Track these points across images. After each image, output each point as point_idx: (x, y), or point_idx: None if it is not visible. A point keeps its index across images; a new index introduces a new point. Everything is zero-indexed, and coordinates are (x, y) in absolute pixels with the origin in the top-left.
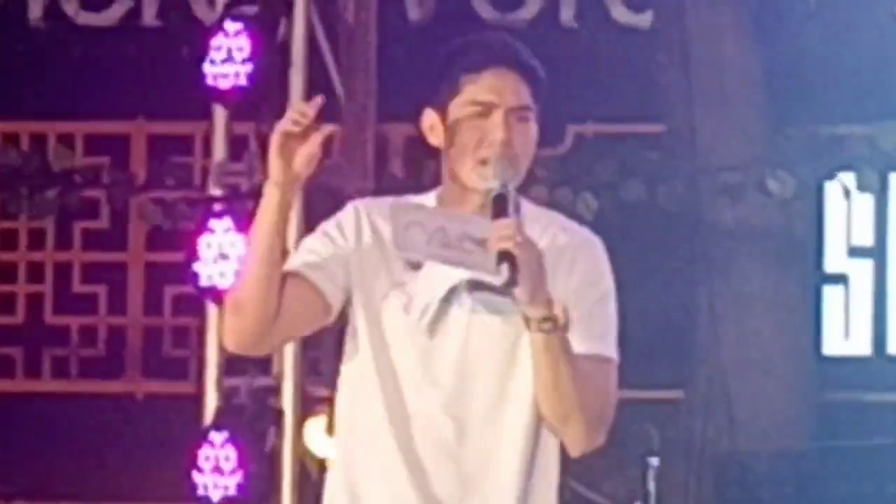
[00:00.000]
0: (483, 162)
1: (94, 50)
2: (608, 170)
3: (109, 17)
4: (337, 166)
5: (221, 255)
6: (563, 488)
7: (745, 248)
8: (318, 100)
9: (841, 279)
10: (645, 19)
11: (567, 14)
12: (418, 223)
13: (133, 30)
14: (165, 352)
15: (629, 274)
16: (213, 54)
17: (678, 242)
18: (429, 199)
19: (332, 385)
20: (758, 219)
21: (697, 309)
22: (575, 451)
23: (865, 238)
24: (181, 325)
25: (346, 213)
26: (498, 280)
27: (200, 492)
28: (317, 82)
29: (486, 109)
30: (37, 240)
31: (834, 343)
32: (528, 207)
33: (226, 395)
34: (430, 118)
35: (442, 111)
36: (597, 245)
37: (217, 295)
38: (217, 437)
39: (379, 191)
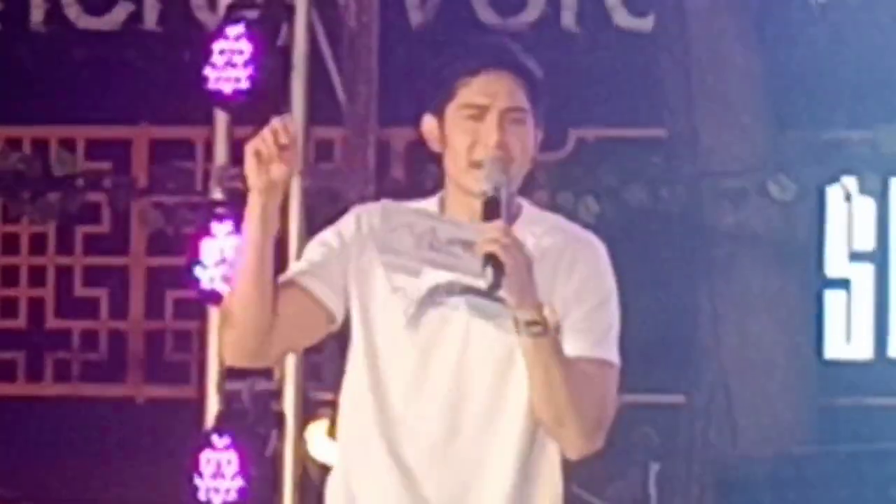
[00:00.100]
0: (477, 164)
1: (96, 54)
2: (610, 174)
3: (111, 21)
4: (338, 171)
5: (223, 259)
6: (564, 492)
7: (746, 252)
8: (288, 118)
9: (842, 283)
10: (646, 23)
11: (568, 18)
12: (407, 225)
13: (134, 34)
14: (167, 356)
15: (631, 278)
16: (214, 58)
17: (680, 246)
18: (431, 203)
19: (333, 389)
20: (759, 223)
21: (699, 313)
22: (571, 455)
23: (867, 242)
24: (182, 329)
25: (347, 220)
26: (483, 283)
27: (202, 496)
28: (318, 86)
29: (479, 112)
30: (38, 244)
31: (835, 347)
32: (529, 210)
33: (227, 399)
34: (429, 123)
35: (439, 116)
36: (598, 247)
37: (218, 299)
38: (218, 441)
39: (380, 195)
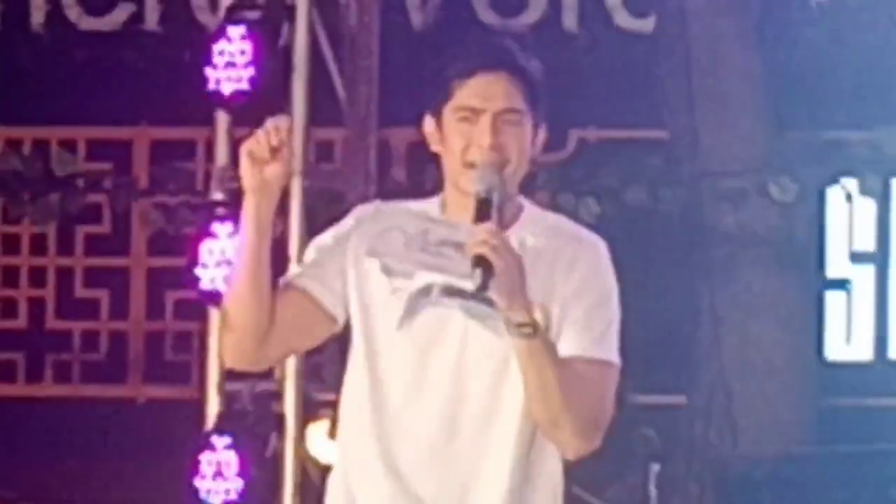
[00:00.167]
0: (471, 165)
1: (97, 55)
2: (611, 175)
3: (112, 22)
4: (339, 172)
5: (224, 260)
6: (564, 493)
7: (747, 253)
8: (282, 119)
9: (843, 284)
10: (647, 25)
11: (570, 19)
12: (399, 227)
13: (135, 35)
14: (167, 356)
15: (631, 278)
16: (215, 59)
17: (680, 247)
18: (432, 203)
19: (333, 390)
20: (760, 224)
21: (699, 314)
22: (568, 455)
23: (867, 243)
24: (183, 330)
25: (346, 222)
26: (471, 285)
27: (202, 496)
28: (319, 87)
29: (473, 114)
30: (39, 244)
31: (835, 348)
32: (530, 209)
33: (227, 399)
34: (429, 124)
35: (438, 117)
36: (598, 247)
37: (219, 300)
38: (219, 441)
39: (381, 196)
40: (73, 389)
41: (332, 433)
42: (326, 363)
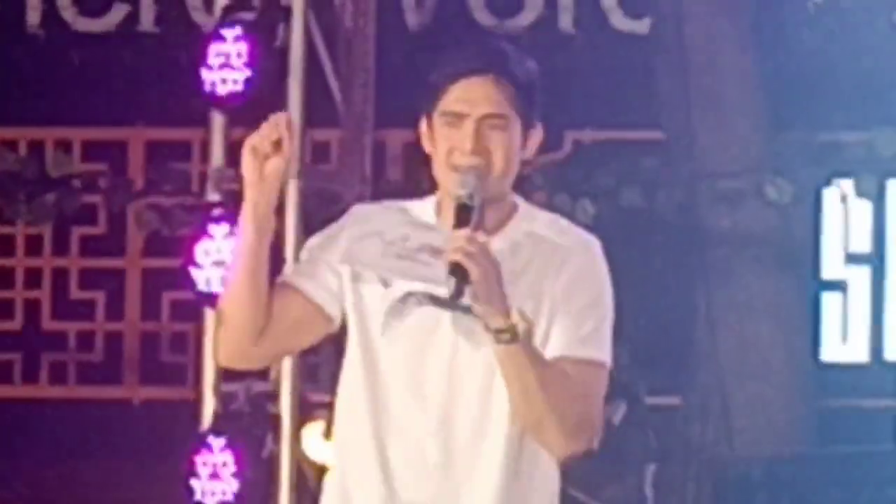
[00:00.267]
0: (455, 168)
1: (92, 56)
2: (606, 176)
3: (107, 23)
4: (335, 172)
5: (219, 261)
6: (561, 494)
7: (743, 255)
8: (285, 115)
9: (839, 286)
10: (643, 26)
11: (566, 20)
12: (378, 233)
13: (131, 36)
14: (163, 357)
15: (627, 279)
16: (210, 60)
17: (676, 249)
18: (428, 203)
19: (330, 391)
20: (756, 225)
21: (695, 315)
22: (557, 455)
23: (863, 244)
24: (179, 331)
25: (342, 221)
26: (446, 292)
27: (197, 497)
28: (315, 88)
29: (457, 119)
30: (34, 246)
31: (832, 349)
32: (524, 207)
33: (223, 400)
34: (422, 126)
35: (429, 120)
36: (592, 247)
37: (215, 301)
38: (215, 442)
39: (377, 197)
40: (68, 390)
41: (328, 434)
42: (323, 364)
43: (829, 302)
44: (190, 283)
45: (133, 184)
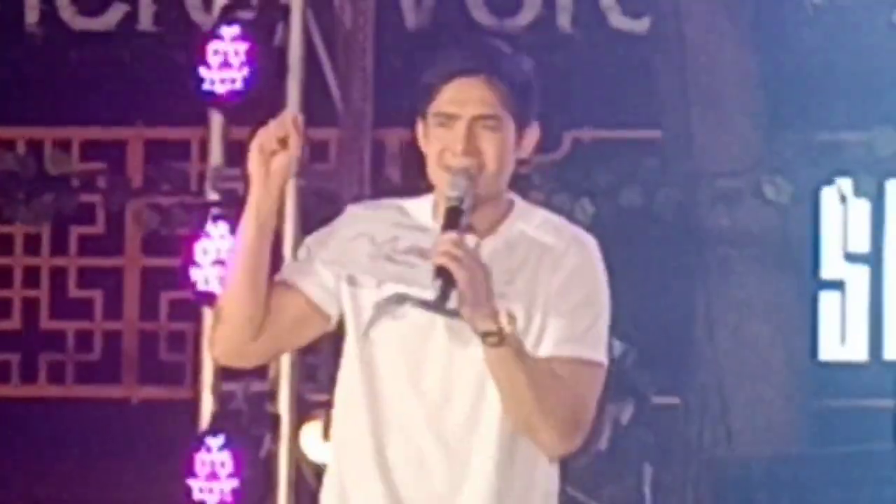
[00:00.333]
0: (447, 169)
1: (91, 55)
2: (605, 175)
3: (106, 22)
4: (333, 171)
5: (218, 260)
6: (560, 494)
7: (741, 254)
8: (290, 117)
9: (837, 285)
10: (642, 25)
11: (564, 20)
12: (367, 234)
13: (129, 35)
14: (161, 357)
15: (625, 279)
16: (209, 59)
17: (675, 248)
18: (426, 201)
19: (328, 390)
20: (755, 224)
21: (694, 314)
22: (549, 455)
23: (862, 244)
24: (177, 331)
25: (341, 219)
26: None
27: (196, 497)
28: (313, 87)
29: (449, 120)
30: (33, 245)
31: (830, 349)
32: (521, 205)
33: (222, 400)
34: (419, 126)
35: (424, 120)
36: (587, 245)
37: (213, 300)
38: (213, 442)
39: (375, 196)
40: (67, 390)
41: (327, 433)
42: (321, 364)
43: (828, 301)
44: (188, 283)
45: (131, 183)
